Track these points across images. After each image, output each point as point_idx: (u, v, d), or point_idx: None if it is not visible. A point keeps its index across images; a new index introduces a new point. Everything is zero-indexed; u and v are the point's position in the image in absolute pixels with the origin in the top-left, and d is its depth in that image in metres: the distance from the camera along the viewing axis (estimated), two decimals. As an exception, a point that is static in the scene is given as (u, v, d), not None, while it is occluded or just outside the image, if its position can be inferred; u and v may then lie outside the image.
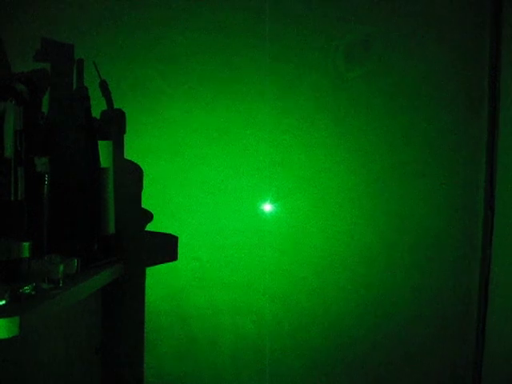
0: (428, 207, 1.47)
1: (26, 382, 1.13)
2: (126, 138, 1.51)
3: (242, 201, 1.50)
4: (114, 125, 1.50)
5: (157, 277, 1.52)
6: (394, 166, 1.48)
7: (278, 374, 1.52)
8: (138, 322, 1.53)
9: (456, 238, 1.47)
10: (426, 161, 1.47)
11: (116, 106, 1.51)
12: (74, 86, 1.52)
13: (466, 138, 1.46)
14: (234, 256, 1.51)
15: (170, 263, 1.52)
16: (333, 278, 1.50)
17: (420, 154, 1.47)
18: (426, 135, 1.47)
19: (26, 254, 1.18)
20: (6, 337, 0.98)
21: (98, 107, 1.50)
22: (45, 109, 1.51)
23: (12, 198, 1.23)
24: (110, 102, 1.50)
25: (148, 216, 1.51)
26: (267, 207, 1.50)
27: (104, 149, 1.41)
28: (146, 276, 1.52)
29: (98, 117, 1.50)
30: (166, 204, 1.51)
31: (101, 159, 1.41)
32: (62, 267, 1.19)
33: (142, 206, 1.51)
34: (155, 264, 1.52)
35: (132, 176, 1.51)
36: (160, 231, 1.52)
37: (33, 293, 1.11)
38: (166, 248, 1.52)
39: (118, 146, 1.50)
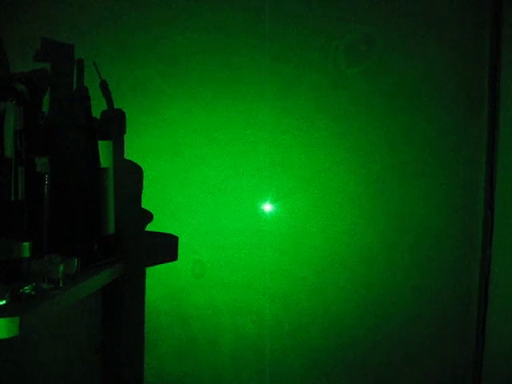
0: (428, 207, 1.47)
1: (26, 382, 1.13)
2: (126, 137, 1.51)
3: (242, 201, 1.50)
4: (114, 125, 1.50)
5: (157, 277, 1.52)
6: (393, 166, 1.47)
7: (278, 374, 1.52)
8: (138, 322, 1.53)
9: (456, 237, 1.47)
10: (426, 161, 1.47)
11: (116, 105, 1.51)
12: (74, 86, 1.52)
13: (465, 138, 1.45)
14: (234, 256, 1.51)
15: (170, 263, 1.52)
16: (333, 278, 1.50)
17: (420, 154, 1.47)
18: (426, 135, 1.47)
19: (26, 254, 1.18)
20: (6, 337, 0.99)
21: (98, 107, 1.50)
22: (45, 109, 1.51)
23: (12, 198, 1.23)
24: (110, 101, 1.50)
25: (148, 216, 1.51)
26: (267, 207, 1.50)
27: (104, 149, 1.41)
28: (146, 276, 1.52)
29: (98, 117, 1.50)
30: (166, 204, 1.51)
31: (101, 159, 1.41)
32: (61, 267, 1.19)
33: (142, 206, 1.51)
34: (155, 264, 1.52)
35: (132, 176, 1.51)
36: (160, 231, 1.52)
37: (33, 293, 1.11)
38: (165, 248, 1.52)
39: (118, 146, 1.50)
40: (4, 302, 1.04)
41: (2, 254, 1.16)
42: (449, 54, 1.45)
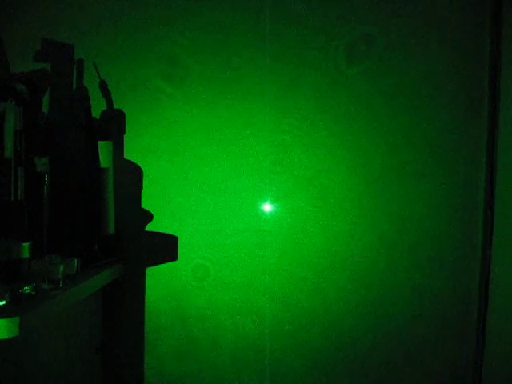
0: (428, 207, 1.47)
1: (26, 382, 1.13)
2: (126, 138, 1.51)
3: (242, 201, 1.50)
4: (114, 125, 1.50)
5: (157, 277, 1.52)
6: (393, 166, 1.47)
7: (278, 374, 1.52)
8: (138, 322, 1.53)
9: (456, 237, 1.47)
10: (426, 161, 1.47)
11: (116, 106, 1.51)
12: (74, 86, 1.52)
13: (465, 138, 1.45)
14: (234, 256, 1.51)
15: (170, 263, 1.52)
16: (333, 278, 1.50)
17: (420, 154, 1.47)
18: (426, 135, 1.47)
19: (26, 254, 1.18)
20: (6, 337, 0.98)
21: (97, 107, 1.50)
22: (45, 109, 1.51)
23: (12, 198, 1.23)
24: (109, 102, 1.50)
25: (148, 216, 1.51)
26: (267, 207, 1.50)
27: (104, 149, 1.41)
28: (146, 276, 1.52)
29: (98, 117, 1.50)
30: (166, 204, 1.51)
31: (101, 159, 1.41)
32: (62, 267, 1.19)
33: (142, 206, 1.51)
34: (155, 264, 1.52)
35: (132, 176, 1.51)
36: (160, 231, 1.52)
37: (33, 293, 1.11)
38: (166, 248, 1.52)
39: (118, 146, 1.50)
40: (4, 302, 1.04)
41: (2, 255, 1.16)
42: (449, 54, 1.45)
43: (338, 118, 1.48)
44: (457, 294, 1.47)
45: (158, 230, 1.52)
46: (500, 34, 1.41)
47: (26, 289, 1.10)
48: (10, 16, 1.53)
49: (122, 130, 1.51)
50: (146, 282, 1.52)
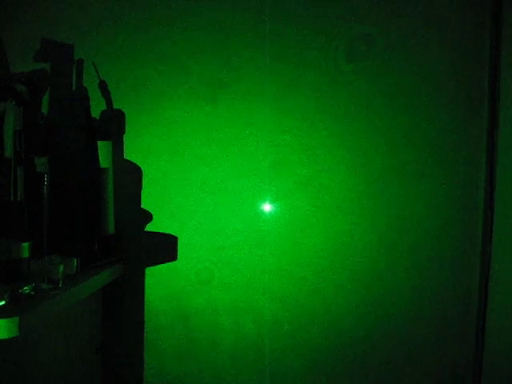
0: (428, 207, 1.47)
1: (26, 382, 1.13)
2: (126, 138, 1.51)
3: (242, 201, 1.50)
4: (114, 125, 1.50)
5: (157, 277, 1.52)
6: (393, 166, 1.47)
7: (278, 373, 1.52)
8: (137, 322, 1.53)
9: (456, 237, 1.47)
10: (426, 161, 1.47)
11: (116, 106, 1.51)
12: (74, 87, 1.52)
13: (465, 138, 1.45)
14: (234, 256, 1.51)
15: (170, 263, 1.52)
16: (333, 278, 1.50)
17: (420, 154, 1.47)
18: (426, 135, 1.46)
19: (26, 254, 1.18)
20: (6, 337, 0.99)
21: (97, 107, 1.50)
22: (44, 109, 1.51)
23: (12, 199, 1.23)
24: (109, 102, 1.50)
25: (148, 216, 1.51)
26: (267, 207, 1.50)
27: (104, 149, 1.41)
28: (146, 276, 1.52)
29: (98, 117, 1.50)
30: (166, 204, 1.51)
31: (100, 159, 1.41)
32: (61, 267, 1.19)
33: (142, 206, 1.52)
34: (155, 264, 1.52)
35: (132, 176, 1.51)
36: (160, 231, 1.52)
37: (32, 293, 1.11)
38: (165, 248, 1.52)
39: (118, 146, 1.50)
40: (3, 302, 1.04)
41: (2, 255, 1.16)
42: (449, 54, 1.44)
43: (338, 117, 1.48)
44: (457, 293, 1.47)
45: (157, 230, 1.52)
46: (500, 34, 1.40)
47: (26, 289, 1.10)
48: (10, 16, 1.53)
49: (121, 130, 1.51)
50: (146, 281, 1.52)
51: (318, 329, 1.50)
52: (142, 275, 1.52)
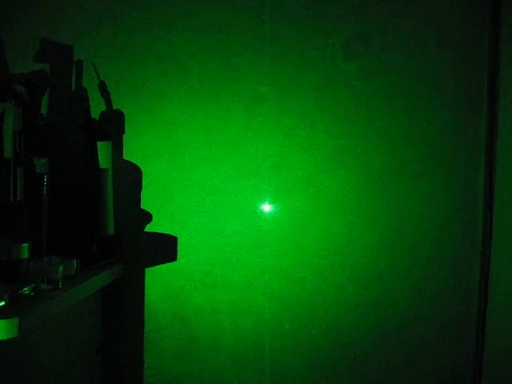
0: (428, 207, 1.47)
1: (26, 383, 1.13)
2: (126, 138, 1.51)
3: (242, 201, 1.50)
4: (114, 125, 1.50)
5: (156, 277, 1.52)
6: (393, 166, 1.47)
7: (278, 373, 1.52)
8: (137, 322, 1.53)
9: (456, 237, 1.47)
10: (426, 161, 1.47)
11: (115, 106, 1.51)
12: (74, 87, 1.52)
13: (465, 138, 1.45)
14: (234, 256, 1.51)
15: (170, 263, 1.52)
16: (333, 278, 1.50)
17: (420, 154, 1.47)
18: (426, 135, 1.46)
19: (26, 254, 1.19)
20: (6, 338, 0.99)
21: (97, 108, 1.50)
22: (44, 110, 1.51)
23: (11, 199, 1.23)
24: (109, 102, 1.50)
25: (147, 217, 1.51)
26: (267, 207, 1.50)
27: (103, 149, 1.41)
28: (146, 276, 1.52)
29: (97, 117, 1.50)
30: (166, 205, 1.51)
31: (100, 160, 1.41)
32: (61, 268, 1.19)
33: (142, 207, 1.52)
34: (155, 265, 1.52)
35: (131, 177, 1.51)
36: (160, 232, 1.52)
37: (32, 294, 1.12)
38: (165, 248, 1.52)
39: (118, 147, 1.50)
40: (3, 303, 1.04)
41: (2, 255, 1.16)
42: (448, 54, 1.44)
43: (338, 118, 1.48)
44: (457, 293, 1.47)
45: (157, 231, 1.52)
46: (499, 34, 1.40)
47: (26, 289, 1.11)
48: (10, 16, 1.53)
49: (121, 131, 1.51)
50: (146, 282, 1.52)
51: (318, 329, 1.50)
52: (142, 276, 1.52)
